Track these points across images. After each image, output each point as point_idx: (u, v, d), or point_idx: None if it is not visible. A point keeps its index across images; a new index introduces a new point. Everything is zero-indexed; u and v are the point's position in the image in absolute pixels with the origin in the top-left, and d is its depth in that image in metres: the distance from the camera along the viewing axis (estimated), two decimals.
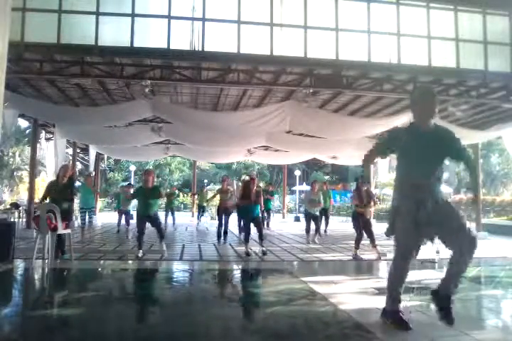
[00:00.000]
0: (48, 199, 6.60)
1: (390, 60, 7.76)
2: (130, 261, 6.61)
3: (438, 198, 3.05)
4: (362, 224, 7.11)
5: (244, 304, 4.35)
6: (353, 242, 7.31)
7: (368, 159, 3.35)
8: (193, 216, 18.55)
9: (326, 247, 8.53)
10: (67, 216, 6.44)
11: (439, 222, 2.99)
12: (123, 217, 11.38)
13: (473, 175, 3.36)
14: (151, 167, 33.82)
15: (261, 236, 7.31)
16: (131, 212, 11.86)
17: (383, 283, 5.30)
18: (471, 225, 3.06)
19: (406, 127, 3.37)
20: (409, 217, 3.01)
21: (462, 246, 2.89)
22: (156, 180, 7.50)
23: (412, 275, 5.75)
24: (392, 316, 3.15)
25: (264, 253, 7.12)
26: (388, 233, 3.28)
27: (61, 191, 6.52)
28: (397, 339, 2.97)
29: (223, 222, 9.46)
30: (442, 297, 3.01)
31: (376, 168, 18.18)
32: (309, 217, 9.44)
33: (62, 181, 6.63)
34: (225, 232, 9.48)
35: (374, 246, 7.08)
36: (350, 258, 7.10)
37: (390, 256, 7.34)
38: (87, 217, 9.30)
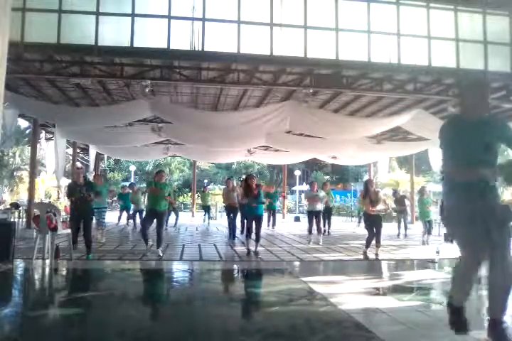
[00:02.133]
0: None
1: (390, 60, 7.75)
2: (130, 261, 6.61)
3: (491, 191, 2.72)
4: (373, 225, 7.13)
5: (245, 304, 4.35)
6: (354, 242, 7.30)
7: None
8: (193, 216, 18.55)
9: (326, 247, 8.53)
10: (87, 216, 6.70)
11: (488, 221, 2.65)
12: (123, 215, 11.44)
13: None
14: (151, 167, 33.86)
15: (258, 237, 7.30)
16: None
17: (383, 283, 5.33)
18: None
19: (450, 121, 3.05)
20: (464, 213, 2.69)
21: (495, 273, 2.59)
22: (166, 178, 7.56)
23: (412, 276, 5.78)
24: (451, 309, 2.81)
25: (256, 253, 7.12)
26: (448, 237, 3.04)
27: (84, 189, 6.70)
28: (397, 339, 2.97)
29: (232, 221, 9.57)
30: (492, 323, 2.62)
31: (376, 168, 18.20)
32: (312, 214, 9.27)
33: (80, 182, 6.83)
34: (234, 231, 9.63)
35: (377, 246, 7.09)
36: (351, 258, 7.10)
37: (390, 256, 7.37)
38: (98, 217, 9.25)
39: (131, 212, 12.11)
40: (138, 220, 11.41)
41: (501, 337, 2.57)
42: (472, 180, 2.70)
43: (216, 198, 24.34)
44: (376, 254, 7.07)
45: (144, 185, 13.25)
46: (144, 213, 7.18)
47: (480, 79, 3.16)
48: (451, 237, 3.04)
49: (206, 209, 14.69)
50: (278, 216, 15.25)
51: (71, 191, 6.85)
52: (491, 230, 2.63)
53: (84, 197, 6.66)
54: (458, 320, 2.75)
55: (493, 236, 2.61)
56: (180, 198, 25.96)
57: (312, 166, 35.45)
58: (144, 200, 11.11)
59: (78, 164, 15.85)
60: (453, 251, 3.50)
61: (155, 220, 7.07)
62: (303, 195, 16.22)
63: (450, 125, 2.96)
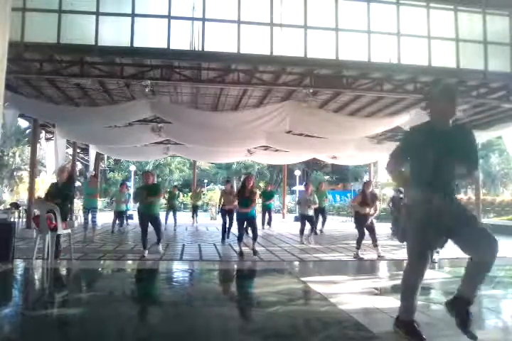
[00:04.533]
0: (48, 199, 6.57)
1: (390, 60, 7.75)
2: (130, 261, 6.62)
3: (453, 200, 2.89)
4: (365, 225, 7.13)
5: (245, 304, 4.35)
6: (353, 242, 7.32)
7: (391, 170, 3.14)
8: (193, 216, 18.52)
9: (326, 247, 8.53)
10: (65, 216, 6.44)
11: (454, 226, 2.81)
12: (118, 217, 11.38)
13: (467, 177, 3.12)
14: (151, 167, 33.87)
15: (254, 237, 7.30)
16: (128, 213, 11.88)
17: (383, 283, 5.33)
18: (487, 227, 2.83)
19: (419, 127, 3.15)
20: (423, 218, 2.84)
21: (484, 250, 2.71)
22: (156, 180, 7.49)
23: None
24: (406, 327, 2.90)
25: (255, 252, 7.12)
26: (400, 238, 3.17)
27: (59, 191, 6.51)
28: (396, 339, 2.97)
29: (227, 222, 9.50)
30: (460, 301, 2.76)
31: (376, 168, 18.20)
32: (303, 217, 9.45)
33: (62, 181, 6.62)
34: (228, 232, 9.53)
35: (375, 245, 7.10)
36: (351, 258, 7.10)
37: (390, 256, 7.37)
38: (90, 217, 9.26)
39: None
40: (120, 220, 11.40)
41: (468, 318, 2.70)
42: (438, 191, 2.84)
43: (214, 197, 24.35)
44: (379, 254, 7.05)
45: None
46: (139, 217, 7.13)
47: (449, 86, 3.26)
48: (402, 237, 3.13)
49: (195, 208, 14.57)
50: (278, 216, 15.27)
51: (47, 191, 6.67)
52: (460, 226, 2.78)
53: (58, 197, 6.40)
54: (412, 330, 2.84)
55: (472, 230, 2.76)
56: (181, 198, 26.00)
57: (312, 166, 35.44)
58: (124, 201, 11.08)
59: (92, 171, 15.83)
60: (453, 251, 3.49)
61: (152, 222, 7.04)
62: (297, 198, 16.23)
63: (420, 132, 3.00)
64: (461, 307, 2.73)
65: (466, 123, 2.98)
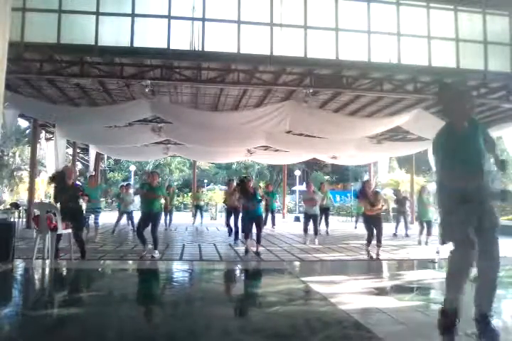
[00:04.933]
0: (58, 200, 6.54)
1: (390, 60, 7.76)
2: (130, 261, 6.61)
3: (485, 202, 2.88)
4: (372, 225, 7.16)
5: (245, 304, 4.35)
6: (353, 242, 7.31)
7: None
8: (193, 216, 18.51)
9: (326, 247, 8.53)
10: (80, 217, 6.51)
11: (479, 220, 2.82)
12: (124, 217, 11.39)
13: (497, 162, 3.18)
14: (151, 167, 33.85)
15: (259, 238, 7.32)
16: (133, 213, 11.85)
17: (383, 283, 5.33)
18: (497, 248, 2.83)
19: (442, 130, 3.14)
20: (458, 201, 2.81)
21: (483, 266, 2.77)
22: (158, 180, 7.48)
23: (412, 276, 5.78)
24: (445, 317, 2.87)
25: (257, 253, 7.12)
26: (444, 239, 3.14)
27: (72, 193, 6.49)
28: (397, 339, 2.97)
29: (234, 222, 9.48)
30: (482, 318, 2.76)
31: (376, 168, 18.20)
32: (308, 216, 9.42)
33: (69, 182, 6.61)
34: (236, 232, 9.41)
35: (378, 245, 7.10)
36: (353, 257, 7.11)
37: (390, 256, 7.37)
38: (92, 218, 9.22)
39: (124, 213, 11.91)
40: (125, 221, 11.42)
41: (493, 333, 2.73)
42: (472, 187, 2.82)
43: (214, 197, 24.32)
44: (377, 254, 7.08)
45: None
46: (141, 215, 7.09)
47: (461, 88, 3.26)
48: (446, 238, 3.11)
49: (198, 208, 14.55)
50: (278, 216, 15.26)
51: (56, 193, 6.60)
52: (482, 223, 2.79)
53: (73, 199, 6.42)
54: (449, 322, 2.84)
55: (485, 240, 2.77)
56: (181, 198, 26.00)
57: (312, 166, 35.43)
58: (132, 201, 11.07)
59: (92, 171, 15.84)
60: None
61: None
62: (301, 197, 16.21)
63: (442, 137, 3.05)
64: (484, 323, 2.74)
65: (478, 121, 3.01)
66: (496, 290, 2.81)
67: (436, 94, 7.39)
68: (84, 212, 7.57)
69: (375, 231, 7.17)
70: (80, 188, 6.82)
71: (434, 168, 3.22)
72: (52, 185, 6.99)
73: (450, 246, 2.96)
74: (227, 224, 9.93)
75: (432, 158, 3.23)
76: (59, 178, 6.63)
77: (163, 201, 7.84)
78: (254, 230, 7.42)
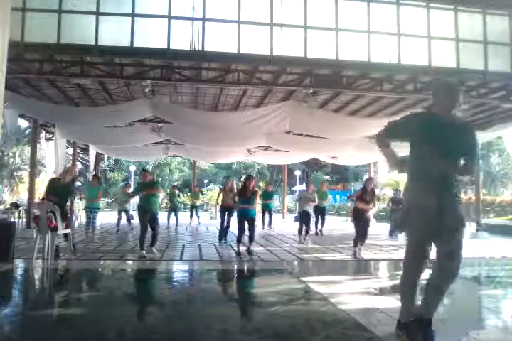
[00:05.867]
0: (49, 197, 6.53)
1: (390, 60, 7.75)
2: (130, 261, 6.61)
3: (452, 196, 2.81)
4: (362, 220, 7.10)
5: (244, 304, 4.35)
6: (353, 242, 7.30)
7: (380, 141, 3.05)
8: (190, 216, 18.48)
9: (326, 247, 8.53)
10: (65, 215, 6.43)
11: (440, 231, 2.76)
12: (123, 217, 11.41)
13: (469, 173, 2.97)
14: (151, 167, 33.88)
15: (251, 239, 7.28)
16: (131, 212, 11.86)
17: (383, 283, 5.33)
18: (460, 255, 2.75)
19: (424, 113, 3.09)
20: (423, 212, 2.75)
21: (444, 270, 2.73)
22: (156, 179, 7.51)
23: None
24: (407, 329, 2.82)
25: (249, 252, 7.09)
26: (400, 229, 3.13)
27: (60, 190, 6.49)
28: (396, 339, 2.97)
29: (226, 221, 9.40)
30: (421, 323, 2.75)
31: (376, 168, 18.19)
32: (303, 215, 9.45)
33: (64, 181, 6.60)
34: (226, 231, 9.38)
35: (361, 244, 7.04)
36: (351, 258, 7.09)
37: (390, 256, 7.37)
38: (91, 217, 9.22)
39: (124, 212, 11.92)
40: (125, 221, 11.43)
41: (431, 338, 2.70)
42: (440, 185, 2.78)
43: (214, 197, 24.26)
44: (359, 255, 6.98)
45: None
46: (139, 212, 7.11)
47: (452, 81, 3.24)
48: (402, 228, 3.09)
49: (194, 208, 14.48)
50: (278, 216, 15.27)
51: (48, 189, 6.59)
52: (446, 231, 2.74)
53: (61, 197, 6.39)
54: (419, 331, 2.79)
55: (448, 245, 2.73)
56: (181, 198, 25.97)
57: (312, 166, 35.45)
58: (127, 201, 11.08)
59: (92, 171, 15.89)
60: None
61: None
62: (297, 194, 16.20)
63: (424, 120, 2.94)
64: (424, 328, 2.72)
65: (468, 122, 2.95)
66: (443, 297, 2.78)
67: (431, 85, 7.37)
68: (78, 211, 7.57)
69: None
70: (72, 187, 6.77)
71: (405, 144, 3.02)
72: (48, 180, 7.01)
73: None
74: (221, 228, 9.36)
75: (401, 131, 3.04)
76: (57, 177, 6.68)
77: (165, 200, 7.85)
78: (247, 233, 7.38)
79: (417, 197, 2.84)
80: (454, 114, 2.92)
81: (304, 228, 9.35)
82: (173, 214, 13.18)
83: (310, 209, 9.45)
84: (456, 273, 2.71)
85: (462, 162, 2.86)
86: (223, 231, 9.23)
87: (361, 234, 7.06)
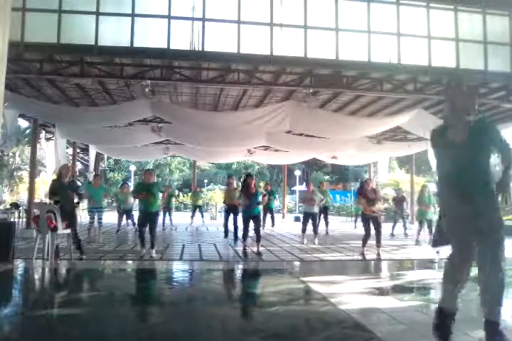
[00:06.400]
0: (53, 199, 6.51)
1: (390, 60, 7.75)
2: (130, 261, 6.61)
3: (486, 201, 2.77)
4: (371, 224, 7.13)
5: (245, 304, 4.35)
6: (353, 242, 7.31)
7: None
8: (192, 216, 18.45)
9: (326, 247, 8.53)
10: (72, 217, 6.44)
11: (478, 231, 2.72)
12: (124, 217, 11.39)
13: (507, 171, 2.93)
14: (151, 167, 33.87)
15: (258, 237, 7.31)
16: (133, 212, 11.84)
17: (383, 283, 5.33)
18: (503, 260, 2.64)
19: (444, 124, 3.06)
20: (458, 220, 2.80)
21: (485, 271, 2.66)
22: (156, 179, 7.49)
23: (412, 276, 5.78)
24: (439, 315, 2.86)
25: (259, 254, 7.11)
26: (436, 243, 3.13)
27: (66, 190, 6.46)
28: (397, 339, 2.97)
29: (233, 221, 9.35)
30: (488, 324, 2.62)
31: (376, 168, 18.19)
32: (307, 215, 9.40)
33: (65, 181, 6.57)
34: (236, 232, 9.29)
35: (378, 246, 7.09)
36: (353, 257, 7.10)
37: (391, 256, 7.37)
38: (96, 218, 9.17)
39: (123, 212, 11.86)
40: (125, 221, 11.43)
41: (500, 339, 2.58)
42: (468, 189, 2.77)
43: (214, 197, 24.27)
44: (378, 254, 7.07)
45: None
46: (139, 214, 7.08)
47: (463, 80, 3.19)
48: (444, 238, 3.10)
49: (196, 208, 14.38)
50: (278, 216, 15.26)
51: (51, 191, 6.56)
52: (483, 234, 2.70)
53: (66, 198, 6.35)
54: (444, 325, 2.80)
55: (485, 251, 2.68)
56: (180, 198, 25.97)
57: (312, 166, 35.45)
58: (127, 200, 11.03)
59: (92, 171, 15.88)
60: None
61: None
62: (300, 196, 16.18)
63: (441, 132, 2.95)
64: (492, 330, 2.62)
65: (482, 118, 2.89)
66: (502, 296, 2.65)
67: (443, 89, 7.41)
68: (82, 211, 7.56)
69: (373, 232, 7.16)
70: (75, 187, 6.77)
71: (434, 167, 3.15)
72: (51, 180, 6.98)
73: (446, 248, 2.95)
74: (225, 225, 9.72)
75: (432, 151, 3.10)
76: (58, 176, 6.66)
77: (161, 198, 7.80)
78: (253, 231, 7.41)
79: (450, 206, 2.90)
80: (469, 115, 2.88)
81: (309, 228, 9.28)
82: (167, 214, 13.08)
83: (316, 210, 9.36)
84: (499, 274, 2.62)
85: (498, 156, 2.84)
86: (234, 232, 9.16)
87: (369, 236, 7.10)
